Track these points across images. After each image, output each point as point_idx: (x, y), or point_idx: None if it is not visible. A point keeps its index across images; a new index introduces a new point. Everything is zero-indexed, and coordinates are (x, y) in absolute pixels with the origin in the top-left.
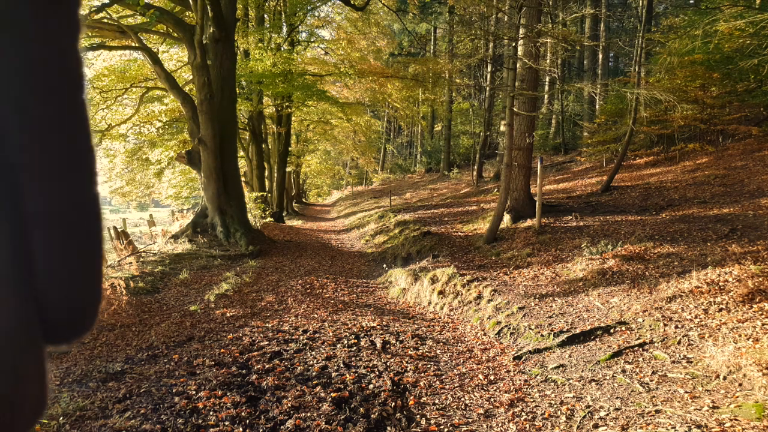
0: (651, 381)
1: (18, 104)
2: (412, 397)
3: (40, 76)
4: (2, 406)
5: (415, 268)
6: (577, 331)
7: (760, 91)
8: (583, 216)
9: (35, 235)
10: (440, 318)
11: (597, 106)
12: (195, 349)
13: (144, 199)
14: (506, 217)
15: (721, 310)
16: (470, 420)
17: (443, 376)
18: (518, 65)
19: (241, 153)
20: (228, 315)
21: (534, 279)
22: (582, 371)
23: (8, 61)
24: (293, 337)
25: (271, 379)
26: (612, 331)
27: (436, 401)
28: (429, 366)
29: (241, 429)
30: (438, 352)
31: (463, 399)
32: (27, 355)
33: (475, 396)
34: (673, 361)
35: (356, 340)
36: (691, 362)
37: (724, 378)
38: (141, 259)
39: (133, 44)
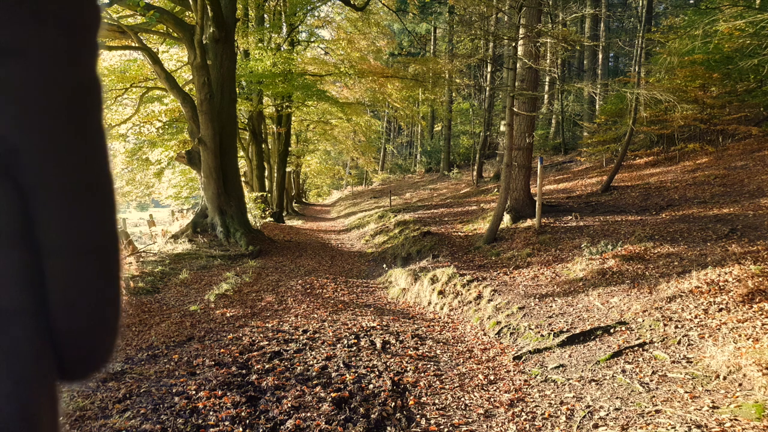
0: (651, 381)
1: (34, 127)
2: (412, 397)
3: (58, 98)
4: None
5: (415, 268)
6: (577, 331)
7: (760, 91)
8: (583, 216)
9: (50, 265)
10: (440, 318)
11: (597, 106)
12: (195, 349)
13: (144, 199)
14: (506, 217)
15: (721, 310)
16: (470, 420)
17: (443, 376)
18: (518, 65)
19: (241, 153)
20: (228, 315)
21: (534, 279)
22: (582, 371)
23: (27, 83)
24: (293, 337)
25: (271, 379)
26: (612, 331)
27: (436, 401)
28: (429, 366)
29: (241, 429)
30: (438, 352)
31: (463, 399)
32: (39, 393)
33: (475, 396)
34: (673, 361)
35: (356, 340)
36: (691, 362)
37: (724, 378)
38: (141, 259)
39: (133, 44)
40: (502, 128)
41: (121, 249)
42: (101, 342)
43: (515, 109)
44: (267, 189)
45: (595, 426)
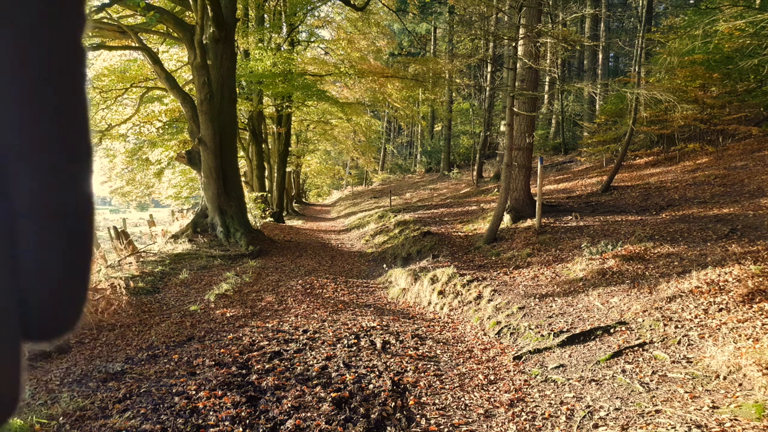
0: (651, 381)
1: (12, 94)
2: (412, 397)
3: (40, 63)
4: None
5: (415, 268)
6: (577, 331)
7: (760, 91)
8: (583, 216)
9: (22, 229)
10: (440, 318)
11: (597, 106)
12: (195, 349)
13: (144, 199)
14: (506, 217)
15: (721, 310)
16: (470, 420)
17: (443, 376)
18: (518, 65)
19: (241, 153)
20: (228, 315)
21: (534, 279)
22: (582, 371)
23: (8, 46)
24: (293, 337)
25: (271, 379)
26: (612, 331)
27: (436, 401)
28: (429, 366)
29: (241, 429)
30: (438, 352)
31: (463, 399)
32: (1, 349)
33: (475, 396)
34: (673, 361)
35: (356, 340)
36: (691, 362)
37: (724, 378)
38: (141, 259)
39: (133, 44)
40: (502, 128)
41: (94, 216)
42: (68, 305)
43: (515, 109)
44: (267, 189)
45: (595, 426)
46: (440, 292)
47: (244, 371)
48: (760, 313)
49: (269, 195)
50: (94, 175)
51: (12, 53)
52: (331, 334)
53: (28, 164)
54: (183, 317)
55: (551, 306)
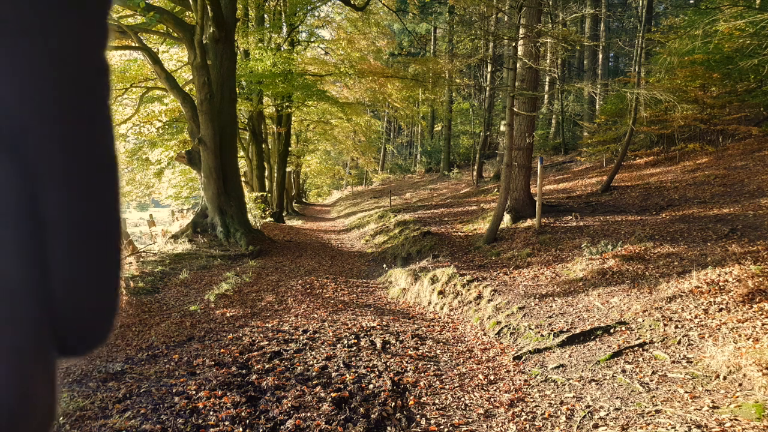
0: (651, 381)
1: (43, 106)
2: (412, 397)
3: (68, 79)
4: (8, 420)
5: (415, 268)
6: (577, 331)
7: (760, 91)
8: (583, 216)
9: (52, 242)
10: (440, 318)
11: (597, 106)
12: (195, 349)
13: (144, 199)
14: (506, 217)
15: (721, 310)
16: (470, 420)
17: (443, 376)
18: (518, 65)
19: (241, 153)
20: (228, 315)
21: (534, 279)
22: (582, 371)
23: (37, 62)
24: (293, 337)
25: (271, 379)
26: (612, 331)
27: (436, 401)
28: (429, 366)
29: (241, 429)
30: (438, 352)
31: (463, 399)
32: (36, 367)
33: (475, 396)
34: (673, 361)
35: (356, 340)
36: (691, 362)
37: (724, 378)
38: (141, 259)
39: (133, 44)
40: (502, 128)
41: (122, 229)
42: (100, 318)
43: (515, 109)
44: (267, 189)
45: (595, 426)
46: (440, 292)
47: (244, 371)
48: (760, 313)
49: (269, 195)
50: (121, 182)
51: (32, 68)
52: (331, 334)
53: (58, 182)
54: (183, 317)
55: (551, 306)
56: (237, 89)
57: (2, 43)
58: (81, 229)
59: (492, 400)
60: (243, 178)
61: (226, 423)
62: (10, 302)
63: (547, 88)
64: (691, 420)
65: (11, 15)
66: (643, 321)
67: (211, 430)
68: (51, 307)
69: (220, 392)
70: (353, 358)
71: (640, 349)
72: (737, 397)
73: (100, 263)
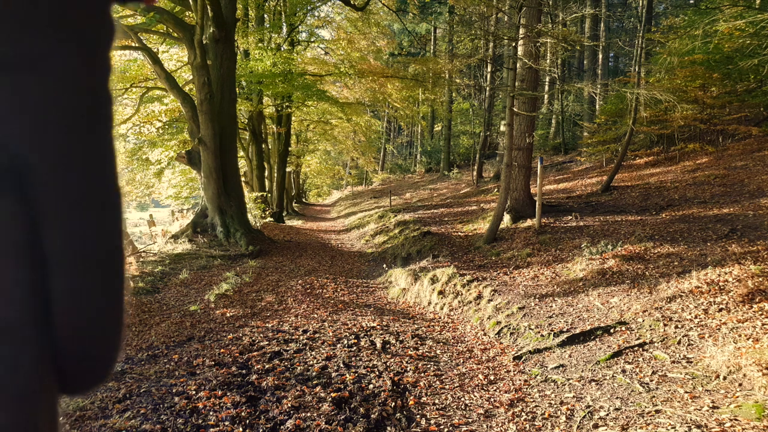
0: (651, 381)
1: (46, 142)
2: (412, 397)
3: (72, 113)
4: None
5: (415, 268)
6: (577, 331)
7: (760, 91)
8: (583, 216)
9: (54, 278)
10: (440, 318)
11: (597, 106)
12: (195, 349)
13: (144, 199)
14: (506, 217)
15: (721, 310)
16: (470, 420)
17: (443, 376)
18: (518, 65)
19: (241, 153)
20: (228, 315)
21: (534, 279)
22: (582, 371)
23: (41, 97)
24: (293, 337)
25: (271, 379)
26: (612, 331)
27: (436, 401)
28: (429, 366)
29: (241, 429)
30: (438, 352)
31: (463, 399)
32: (40, 407)
33: (475, 396)
34: (673, 361)
35: (356, 340)
36: (691, 362)
37: (724, 378)
38: (141, 259)
39: (133, 44)
40: (502, 128)
41: (126, 264)
42: (103, 356)
43: (515, 109)
44: (267, 189)
45: (595, 426)
46: (440, 292)
47: (244, 371)
48: (760, 313)
49: (269, 195)
50: (124, 217)
51: (34, 101)
52: (331, 334)
53: (60, 217)
54: (183, 317)
55: (551, 306)
56: (237, 89)
57: (8, 80)
58: (83, 264)
59: (492, 400)
60: (243, 178)
61: (226, 423)
62: (10, 340)
63: (547, 88)
64: (691, 420)
65: (17, 51)
66: (643, 321)
67: (211, 430)
68: (54, 347)
69: (220, 392)
70: (353, 358)
71: (640, 349)
72: (737, 397)
73: (102, 300)
